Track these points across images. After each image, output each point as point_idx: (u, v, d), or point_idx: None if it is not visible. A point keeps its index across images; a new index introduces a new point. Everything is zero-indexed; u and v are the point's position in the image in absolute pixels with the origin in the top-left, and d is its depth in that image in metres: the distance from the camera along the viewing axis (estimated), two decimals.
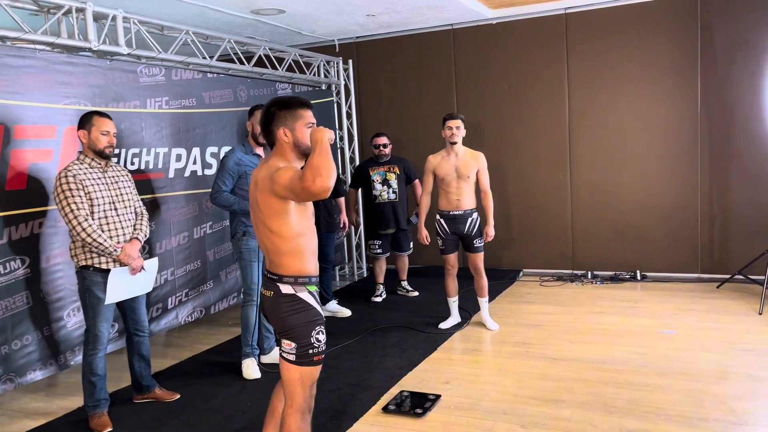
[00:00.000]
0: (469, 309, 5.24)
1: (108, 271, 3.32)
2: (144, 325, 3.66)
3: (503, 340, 4.60)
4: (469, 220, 4.74)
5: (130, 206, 3.49)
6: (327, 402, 3.62)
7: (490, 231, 4.77)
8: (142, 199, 4.34)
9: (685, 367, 3.86)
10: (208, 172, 4.89)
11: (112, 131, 3.37)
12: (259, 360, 4.23)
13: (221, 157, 4.44)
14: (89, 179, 3.29)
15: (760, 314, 4.83)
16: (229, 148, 4.94)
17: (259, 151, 4.13)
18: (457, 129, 4.67)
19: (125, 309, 3.57)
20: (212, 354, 4.66)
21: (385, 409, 3.45)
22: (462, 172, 4.69)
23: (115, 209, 3.38)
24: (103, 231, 3.29)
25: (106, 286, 3.31)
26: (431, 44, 6.81)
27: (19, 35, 3.55)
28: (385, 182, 5.74)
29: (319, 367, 2.45)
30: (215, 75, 5.06)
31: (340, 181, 5.65)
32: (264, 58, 5.82)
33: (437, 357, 4.33)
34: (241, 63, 5.45)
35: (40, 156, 3.63)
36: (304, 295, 2.41)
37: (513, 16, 6.41)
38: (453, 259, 4.85)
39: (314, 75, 6.62)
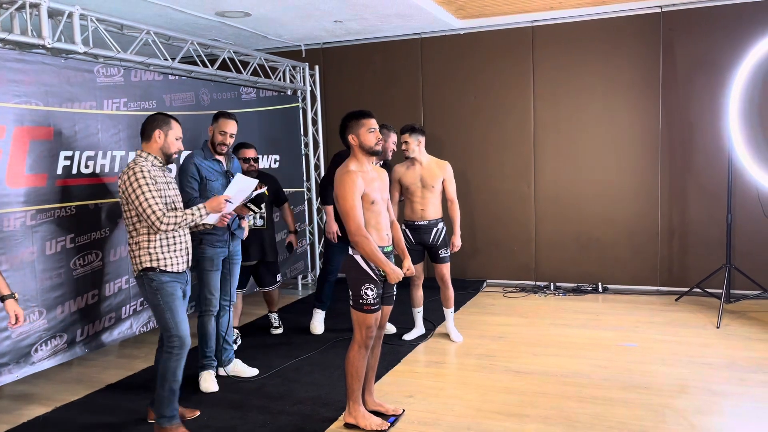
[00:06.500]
0: (433, 320, 5.20)
1: (175, 272, 3.27)
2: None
3: (467, 352, 4.57)
4: (434, 230, 4.70)
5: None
6: (287, 418, 3.51)
7: (457, 241, 4.75)
8: (95, 204, 4.20)
9: (646, 381, 3.88)
10: None
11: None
12: (217, 372, 4.09)
13: (180, 164, 4.22)
14: (158, 176, 3.26)
15: (718, 328, 4.91)
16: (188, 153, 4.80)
17: (220, 158, 3.99)
18: (405, 144, 4.65)
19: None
20: None
21: (347, 425, 3.36)
22: (427, 182, 4.66)
23: (176, 209, 3.32)
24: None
25: (175, 286, 3.26)
26: (398, 53, 6.78)
27: None
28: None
29: (371, 315, 3.18)
30: (177, 77, 4.91)
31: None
32: (228, 61, 5.68)
33: (401, 369, 4.26)
34: (205, 66, 5.31)
35: None
36: (359, 258, 3.19)
37: (480, 27, 6.43)
38: (418, 269, 4.81)
39: (279, 80, 6.51)
